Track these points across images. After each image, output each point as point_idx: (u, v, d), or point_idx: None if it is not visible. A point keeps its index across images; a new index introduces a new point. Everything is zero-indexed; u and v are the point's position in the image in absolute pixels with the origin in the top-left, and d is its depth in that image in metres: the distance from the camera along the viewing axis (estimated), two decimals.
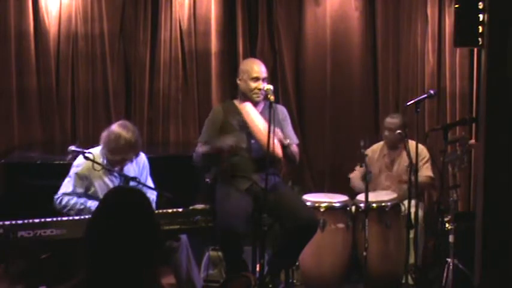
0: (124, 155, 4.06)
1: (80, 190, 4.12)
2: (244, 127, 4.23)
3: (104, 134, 4.08)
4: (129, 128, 4.08)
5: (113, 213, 1.97)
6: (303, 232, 4.09)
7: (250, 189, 4.11)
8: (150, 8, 5.93)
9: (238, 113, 4.27)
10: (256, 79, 4.21)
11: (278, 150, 4.12)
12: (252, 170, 4.15)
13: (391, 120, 5.15)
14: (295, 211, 4.10)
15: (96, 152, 4.13)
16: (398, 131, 4.85)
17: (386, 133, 5.16)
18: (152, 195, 4.22)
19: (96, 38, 5.82)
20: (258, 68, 4.26)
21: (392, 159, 5.22)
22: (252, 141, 4.17)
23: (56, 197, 4.12)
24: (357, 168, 5.28)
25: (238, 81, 4.30)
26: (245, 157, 4.17)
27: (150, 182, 4.32)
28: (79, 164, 4.11)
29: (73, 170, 4.14)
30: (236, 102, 4.36)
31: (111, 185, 4.10)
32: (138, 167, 4.28)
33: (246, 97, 4.24)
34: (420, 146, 4.67)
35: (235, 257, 4.12)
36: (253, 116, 4.19)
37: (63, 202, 4.09)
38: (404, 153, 5.12)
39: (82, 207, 4.04)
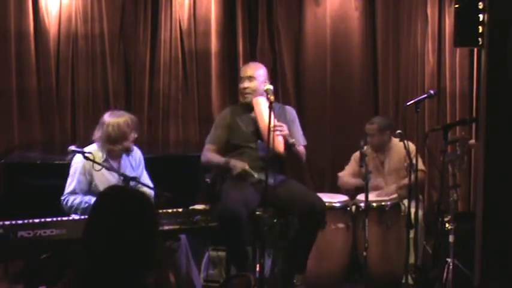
0: (128, 139, 4.15)
1: (83, 186, 4.12)
2: (251, 127, 4.26)
3: (101, 129, 4.14)
4: (119, 113, 4.23)
5: (109, 215, 1.96)
6: (313, 214, 4.13)
7: (260, 183, 4.11)
8: (150, 8, 5.93)
9: (245, 113, 4.33)
10: (240, 79, 4.35)
11: (279, 146, 4.15)
12: (259, 168, 4.16)
13: (370, 126, 5.19)
14: (305, 196, 4.19)
15: (93, 149, 4.16)
16: (399, 131, 4.86)
17: (368, 139, 5.18)
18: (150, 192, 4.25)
19: (96, 38, 5.82)
20: (243, 68, 4.42)
21: (381, 161, 5.24)
22: (259, 141, 4.19)
23: (62, 198, 4.12)
24: (347, 167, 5.31)
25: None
26: (253, 156, 4.19)
27: (145, 176, 4.35)
28: (79, 160, 4.12)
29: (74, 167, 4.15)
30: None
31: (111, 179, 4.11)
32: (135, 160, 4.33)
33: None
34: (411, 145, 4.69)
35: (236, 247, 4.13)
36: (263, 109, 4.21)
37: (69, 203, 4.09)
38: (391, 154, 5.18)
39: (86, 205, 4.03)
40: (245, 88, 4.32)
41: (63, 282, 1.97)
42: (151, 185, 4.28)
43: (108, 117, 4.16)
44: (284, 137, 4.17)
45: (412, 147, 4.69)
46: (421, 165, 5.04)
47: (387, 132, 5.15)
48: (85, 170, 4.11)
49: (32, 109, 5.74)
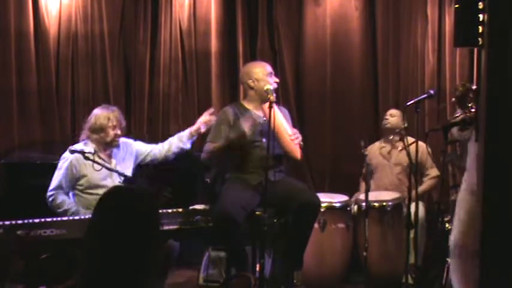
0: (106, 132, 4.27)
1: (69, 182, 4.20)
2: (255, 126, 4.27)
3: (93, 122, 4.28)
4: (107, 107, 4.41)
5: (110, 215, 1.96)
6: (308, 210, 4.16)
7: (260, 184, 4.11)
8: (150, 8, 5.93)
9: (247, 113, 4.34)
10: (271, 74, 4.35)
11: (297, 152, 4.25)
12: (262, 166, 4.15)
13: (394, 109, 5.38)
14: (301, 192, 4.22)
15: (80, 147, 4.23)
16: (398, 130, 4.88)
17: (386, 121, 5.28)
18: None
19: (96, 38, 5.82)
20: (268, 65, 4.43)
21: (388, 150, 5.27)
22: (263, 139, 4.19)
23: (49, 194, 4.18)
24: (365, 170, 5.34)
25: (252, 83, 4.33)
26: (258, 155, 4.19)
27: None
28: (67, 156, 4.19)
29: (62, 162, 4.23)
30: (245, 103, 4.42)
31: (102, 174, 4.18)
32: (126, 150, 4.43)
33: (262, 96, 4.25)
34: (422, 144, 4.70)
35: (234, 248, 4.16)
36: (280, 117, 4.25)
37: (58, 201, 4.16)
38: (399, 147, 5.20)
39: (74, 209, 4.09)
40: (277, 82, 4.38)
41: (67, 283, 1.97)
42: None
43: (96, 109, 4.38)
44: (299, 142, 4.24)
45: (422, 147, 4.73)
46: (436, 171, 5.10)
47: (404, 121, 5.23)
48: (72, 166, 4.19)
49: (32, 109, 5.73)
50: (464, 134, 4.24)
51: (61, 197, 4.17)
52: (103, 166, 4.02)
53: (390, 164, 5.24)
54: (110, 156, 4.32)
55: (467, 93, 3.91)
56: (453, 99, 4.32)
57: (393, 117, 5.28)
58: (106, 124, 4.27)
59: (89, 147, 4.23)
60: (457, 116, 4.04)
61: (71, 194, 4.26)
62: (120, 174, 4.03)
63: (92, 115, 4.34)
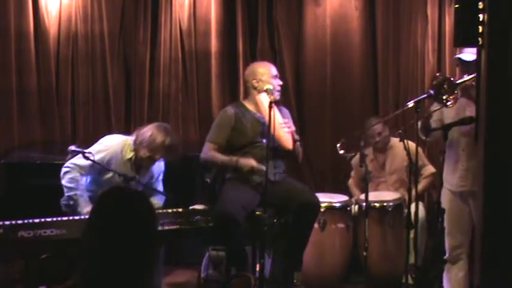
0: (154, 157, 4.14)
1: (95, 170, 4.09)
2: (257, 127, 4.27)
3: (152, 141, 4.11)
4: (172, 132, 4.22)
5: (108, 215, 1.96)
6: (307, 209, 4.18)
7: (260, 184, 4.12)
8: (150, 8, 5.93)
9: (248, 112, 4.36)
10: (276, 76, 4.36)
11: (288, 142, 4.23)
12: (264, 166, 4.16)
13: (374, 127, 5.14)
14: (301, 193, 4.24)
15: (120, 140, 4.18)
16: (399, 131, 4.87)
17: (375, 139, 5.16)
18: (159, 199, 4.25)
19: (96, 38, 5.82)
20: (274, 67, 4.43)
21: (381, 162, 5.24)
22: (264, 140, 4.20)
23: (67, 165, 4.06)
24: (353, 173, 5.32)
25: (257, 83, 4.32)
26: (258, 155, 4.19)
27: (160, 185, 4.38)
28: (110, 143, 4.14)
29: (102, 146, 4.13)
30: (245, 103, 4.43)
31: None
32: (159, 167, 4.35)
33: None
34: (412, 144, 4.68)
35: (234, 248, 4.17)
36: (276, 112, 4.25)
37: (72, 175, 4.04)
38: (392, 153, 5.17)
39: (76, 198, 4.02)
40: (280, 85, 4.37)
41: (67, 283, 1.97)
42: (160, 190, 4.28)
43: (161, 129, 4.18)
44: (291, 133, 4.24)
45: (412, 146, 4.69)
46: (430, 169, 5.08)
47: (387, 128, 5.21)
48: (111, 155, 4.09)
49: (32, 109, 5.73)
50: (432, 135, 4.25)
51: (78, 174, 4.04)
52: (103, 167, 4.01)
53: (385, 175, 5.23)
54: (139, 167, 4.25)
55: (443, 82, 3.90)
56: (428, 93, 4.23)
57: (381, 134, 5.16)
58: (159, 149, 4.13)
59: (128, 151, 4.16)
60: (436, 110, 4.06)
61: (88, 178, 4.11)
62: (120, 175, 4.03)
63: (155, 132, 4.13)
